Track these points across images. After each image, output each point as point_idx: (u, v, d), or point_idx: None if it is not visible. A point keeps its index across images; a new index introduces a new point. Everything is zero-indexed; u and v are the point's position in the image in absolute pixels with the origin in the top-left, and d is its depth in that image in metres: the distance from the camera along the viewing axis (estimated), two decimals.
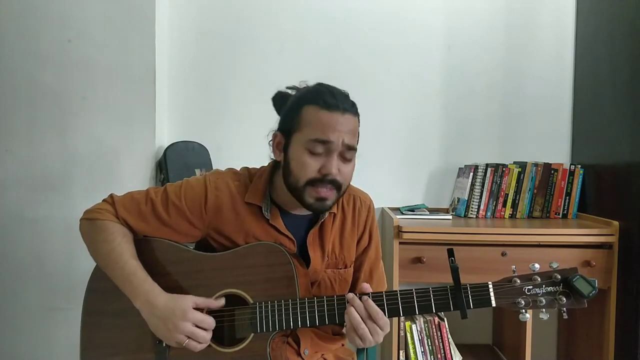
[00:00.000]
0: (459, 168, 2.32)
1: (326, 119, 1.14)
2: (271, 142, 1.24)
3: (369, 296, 1.11)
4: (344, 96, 1.20)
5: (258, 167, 1.32)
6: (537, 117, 2.34)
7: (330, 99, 1.16)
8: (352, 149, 1.18)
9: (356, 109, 1.21)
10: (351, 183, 1.37)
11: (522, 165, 2.19)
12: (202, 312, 1.15)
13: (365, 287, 1.13)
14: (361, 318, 1.08)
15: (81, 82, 2.03)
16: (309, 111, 1.16)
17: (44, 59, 2.02)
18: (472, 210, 2.18)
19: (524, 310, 1.09)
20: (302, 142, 1.15)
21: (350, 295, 1.11)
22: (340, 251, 1.30)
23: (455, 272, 1.09)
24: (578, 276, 1.06)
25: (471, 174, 2.20)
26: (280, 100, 1.27)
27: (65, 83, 2.03)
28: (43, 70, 2.02)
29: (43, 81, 2.02)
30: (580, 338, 2.14)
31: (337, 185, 1.17)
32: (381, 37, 2.32)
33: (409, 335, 1.96)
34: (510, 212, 2.19)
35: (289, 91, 1.26)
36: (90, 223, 1.22)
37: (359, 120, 1.23)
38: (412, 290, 1.12)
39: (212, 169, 2.22)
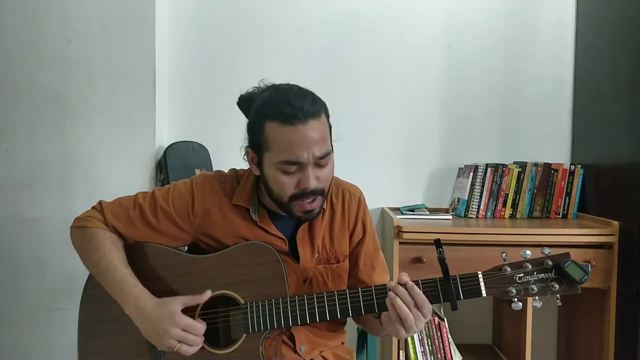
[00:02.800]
0: (459, 168, 2.32)
1: (290, 138, 1.10)
2: (245, 158, 1.24)
3: (418, 283, 1.08)
4: (304, 99, 1.12)
5: (246, 168, 1.31)
6: (537, 117, 2.34)
7: (288, 109, 1.09)
8: (325, 156, 1.14)
9: (320, 108, 1.14)
10: (349, 180, 1.37)
11: (522, 165, 2.18)
12: (194, 310, 1.15)
13: (402, 277, 1.09)
14: (407, 306, 1.06)
15: (81, 82, 2.03)
16: (272, 129, 1.12)
17: (44, 59, 2.02)
18: (472, 210, 2.17)
19: (516, 299, 1.06)
20: (273, 164, 1.13)
21: (393, 283, 1.09)
22: (331, 246, 1.29)
23: (443, 262, 1.09)
24: (570, 261, 1.04)
25: (471, 174, 2.20)
26: (245, 104, 1.26)
27: (65, 83, 2.03)
28: (43, 70, 2.02)
29: (43, 81, 2.02)
30: (580, 338, 2.14)
31: (320, 192, 1.17)
32: (381, 37, 2.32)
33: None
34: (510, 212, 2.18)
35: (254, 90, 1.25)
36: (79, 231, 1.23)
37: (327, 116, 1.16)
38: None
39: (212, 169, 2.22)
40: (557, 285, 1.04)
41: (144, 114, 2.05)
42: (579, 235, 1.89)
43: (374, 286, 1.14)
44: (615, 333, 1.89)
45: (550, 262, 1.06)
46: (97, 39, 2.03)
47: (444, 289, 1.08)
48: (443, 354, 1.97)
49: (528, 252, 1.08)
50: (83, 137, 2.04)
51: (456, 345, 2.00)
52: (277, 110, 1.11)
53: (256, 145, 1.17)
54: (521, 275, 1.06)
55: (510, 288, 1.06)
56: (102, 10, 2.02)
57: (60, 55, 2.02)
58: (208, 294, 1.16)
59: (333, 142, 1.20)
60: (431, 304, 1.09)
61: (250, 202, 1.25)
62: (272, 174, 1.15)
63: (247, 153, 1.22)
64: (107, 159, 2.05)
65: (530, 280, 1.06)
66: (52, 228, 2.03)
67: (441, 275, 1.10)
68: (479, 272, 1.08)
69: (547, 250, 1.07)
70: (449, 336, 1.98)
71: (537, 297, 1.06)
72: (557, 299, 1.07)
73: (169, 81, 2.26)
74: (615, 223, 1.89)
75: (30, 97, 2.03)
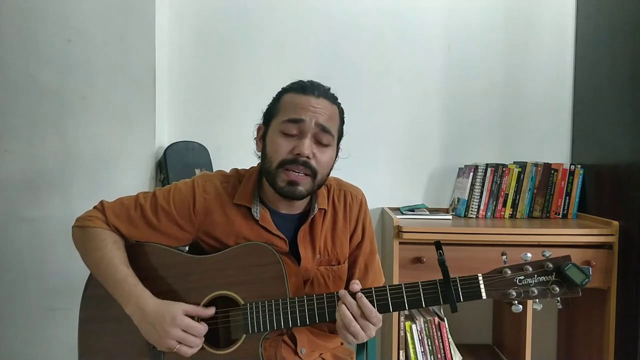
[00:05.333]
0: (459, 168, 2.32)
1: (299, 100, 1.18)
2: (255, 138, 1.28)
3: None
4: (324, 87, 1.23)
5: (247, 167, 1.32)
6: (537, 117, 2.34)
7: (307, 84, 1.21)
8: (327, 131, 1.18)
9: (336, 99, 1.24)
10: (351, 182, 1.37)
11: (522, 165, 2.19)
12: (193, 319, 1.14)
13: (354, 286, 1.11)
14: (353, 316, 1.07)
15: (81, 82, 2.03)
16: (287, 97, 1.21)
17: (44, 59, 2.02)
18: (472, 210, 2.18)
19: (516, 302, 1.06)
20: (277, 126, 1.19)
21: (342, 292, 1.10)
22: (333, 248, 1.29)
23: (443, 265, 1.09)
24: (570, 264, 1.03)
25: (471, 174, 2.20)
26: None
27: (65, 83, 2.03)
28: (43, 70, 2.02)
29: (43, 81, 2.02)
30: (580, 338, 2.14)
31: (311, 170, 1.17)
32: (381, 37, 2.32)
33: (409, 335, 1.96)
34: (510, 212, 2.18)
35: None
36: (81, 230, 1.24)
37: (339, 110, 1.25)
38: (401, 285, 1.11)
39: (212, 169, 2.22)
40: (557, 288, 1.04)
41: (144, 114, 2.05)
42: (579, 235, 1.89)
43: (374, 287, 1.13)
44: (615, 333, 1.89)
45: (550, 265, 1.05)
46: (97, 39, 2.03)
47: (444, 291, 1.08)
48: (443, 354, 1.97)
49: (529, 254, 1.07)
50: (83, 137, 2.04)
51: (456, 345, 2.00)
52: (297, 84, 1.22)
53: (268, 116, 1.23)
54: (521, 277, 1.06)
55: (511, 291, 1.06)
56: (102, 10, 2.02)
57: (60, 55, 2.02)
58: (211, 312, 1.16)
59: (340, 152, 1.27)
60: (431, 305, 1.09)
61: (252, 201, 1.25)
62: (273, 138, 1.19)
63: (257, 130, 1.27)
64: (107, 159, 2.05)
65: (531, 283, 1.06)
66: (52, 228, 2.03)
67: (441, 277, 1.10)
68: (479, 275, 1.08)
69: (547, 253, 1.07)
70: (449, 336, 1.98)
71: (537, 300, 1.06)
72: (558, 301, 1.06)
73: (169, 81, 2.26)
74: (615, 223, 1.89)
75: (30, 97, 2.03)
